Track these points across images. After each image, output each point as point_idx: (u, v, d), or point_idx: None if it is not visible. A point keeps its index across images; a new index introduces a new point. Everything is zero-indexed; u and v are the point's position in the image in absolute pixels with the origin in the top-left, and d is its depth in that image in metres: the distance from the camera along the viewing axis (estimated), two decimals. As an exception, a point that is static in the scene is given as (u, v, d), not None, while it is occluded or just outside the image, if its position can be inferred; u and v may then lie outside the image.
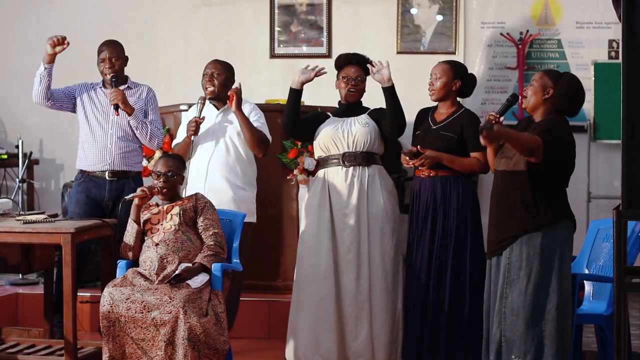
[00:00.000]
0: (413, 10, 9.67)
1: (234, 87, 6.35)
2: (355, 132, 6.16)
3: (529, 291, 5.23)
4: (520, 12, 9.50)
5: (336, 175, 6.19)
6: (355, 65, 6.26)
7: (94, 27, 9.80)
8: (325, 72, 6.22)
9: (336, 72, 6.33)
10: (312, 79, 6.21)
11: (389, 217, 6.17)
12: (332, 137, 6.19)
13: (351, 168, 6.16)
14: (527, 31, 9.45)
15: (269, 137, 6.50)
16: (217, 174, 6.37)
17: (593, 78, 9.08)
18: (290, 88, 6.22)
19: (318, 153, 6.31)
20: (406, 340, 6.06)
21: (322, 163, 6.30)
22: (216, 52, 9.57)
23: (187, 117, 6.56)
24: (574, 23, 9.44)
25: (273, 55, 9.87)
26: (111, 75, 6.64)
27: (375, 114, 6.24)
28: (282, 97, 6.67)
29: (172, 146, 6.67)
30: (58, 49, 6.56)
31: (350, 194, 6.14)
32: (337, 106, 6.39)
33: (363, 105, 6.33)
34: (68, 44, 6.58)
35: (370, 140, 6.16)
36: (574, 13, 9.44)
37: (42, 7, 10.16)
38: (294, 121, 6.26)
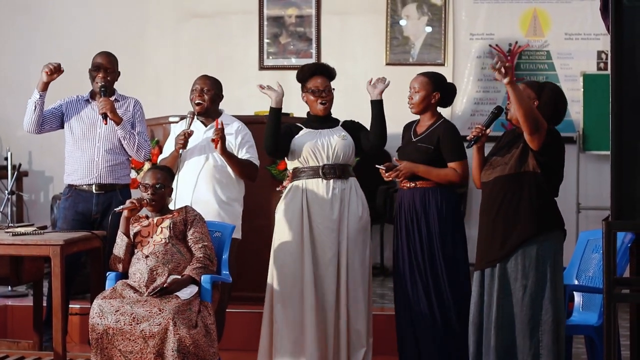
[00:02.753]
0: (402, 22, 9.70)
1: (216, 128, 6.23)
2: (335, 145, 6.14)
3: (525, 302, 5.22)
4: (509, 24, 9.55)
5: (317, 187, 6.16)
6: (320, 76, 6.23)
7: (84, 38, 9.83)
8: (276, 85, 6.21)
9: (300, 84, 6.30)
10: (283, 93, 6.19)
11: (365, 228, 6.20)
12: (312, 149, 6.15)
13: (331, 180, 6.15)
14: (516, 42, 9.49)
15: (257, 161, 6.47)
16: (205, 188, 6.33)
17: (582, 89, 9.12)
18: (271, 108, 6.17)
19: (294, 165, 6.26)
20: (400, 350, 6.06)
21: (297, 174, 6.26)
22: (205, 63, 9.61)
23: (174, 132, 6.53)
24: (563, 34, 9.49)
25: (262, 67, 9.91)
26: (101, 84, 6.63)
27: (349, 126, 6.24)
28: (271, 108, 6.68)
29: (159, 161, 6.62)
30: (55, 76, 6.54)
31: (333, 206, 6.12)
32: (306, 117, 6.38)
33: (333, 116, 6.33)
34: (63, 70, 6.56)
35: (348, 152, 6.16)
36: (562, 24, 9.49)
37: (33, 19, 10.17)
38: (277, 140, 6.19)
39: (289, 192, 6.28)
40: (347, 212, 6.13)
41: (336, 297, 6.10)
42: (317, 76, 6.22)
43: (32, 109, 6.61)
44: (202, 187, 6.32)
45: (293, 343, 6.12)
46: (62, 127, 6.77)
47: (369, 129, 6.18)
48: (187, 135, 6.30)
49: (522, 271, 5.23)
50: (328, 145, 6.14)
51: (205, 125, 6.45)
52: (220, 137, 6.18)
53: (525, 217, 5.24)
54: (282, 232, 6.22)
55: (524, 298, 5.23)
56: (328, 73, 6.27)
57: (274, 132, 6.16)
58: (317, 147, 6.15)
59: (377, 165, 6.05)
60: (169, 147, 6.50)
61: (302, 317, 6.10)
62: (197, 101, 6.41)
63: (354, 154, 6.23)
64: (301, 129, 6.27)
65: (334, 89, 6.27)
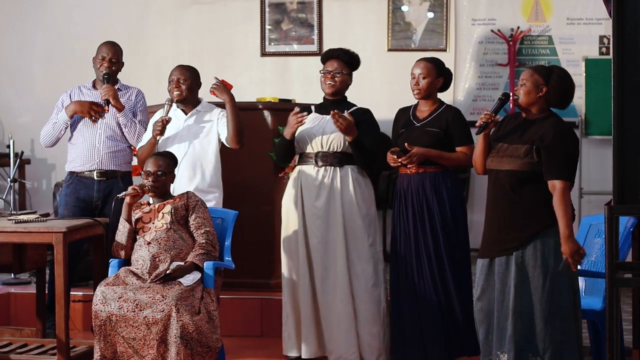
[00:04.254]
0: (404, 8, 9.69)
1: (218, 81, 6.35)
2: (329, 133, 6.10)
3: (546, 289, 5.16)
4: (510, 9, 9.53)
5: (309, 174, 6.16)
6: (336, 59, 6.20)
7: (85, 25, 9.83)
8: (304, 118, 6.12)
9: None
10: (298, 125, 6.11)
11: (364, 217, 6.12)
12: (308, 136, 6.14)
13: (323, 168, 6.13)
14: (518, 28, 9.47)
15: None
16: (185, 178, 6.32)
17: (584, 74, 9.10)
18: (282, 136, 6.22)
19: (298, 150, 6.26)
20: (394, 335, 6.04)
21: (299, 160, 6.27)
22: (206, 50, 9.62)
23: (153, 121, 6.51)
24: (565, 19, 9.47)
25: (264, 54, 9.89)
26: (104, 72, 6.65)
27: (357, 115, 6.11)
28: (272, 95, 6.67)
29: (137, 148, 6.59)
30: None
31: (320, 194, 6.11)
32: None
33: (349, 101, 6.27)
34: (107, 110, 6.63)
35: (344, 141, 6.09)
36: (564, 9, 9.48)
37: (34, 7, 10.15)
38: (288, 160, 6.37)
39: (291, 178, 6.30)
40: (340, 200, 6.08)
41: (324, 286, 6.09)
42: (334, 59, 6.21)
43: (56, 129, 6.72)
44: (182, 177, 6.30)
45: (296, 329, 6.14)
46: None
47: (374, 118, 6.19)
48: (164, 122, 6.31)
49: (542, 258, 5.17)
50: (322, 133, 6.12)
51: (186, 114, 6.46)
52: (225, 89, 6.29)
53: (541, 207, 5.19)
54: (285, 219, 6.26)
55: (545, 285, 5.16)
56: (346, 58, 6.22)
57: (283, 157, 6.36)
58: (311, 134, 6.13)
59: (390, 150, 6.02)
60: (147, 137, 6.49)
61: (299, 302, 6.13)
62: (175, 92, 6.43)
63: None
64: (310, 113, 6.26)
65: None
